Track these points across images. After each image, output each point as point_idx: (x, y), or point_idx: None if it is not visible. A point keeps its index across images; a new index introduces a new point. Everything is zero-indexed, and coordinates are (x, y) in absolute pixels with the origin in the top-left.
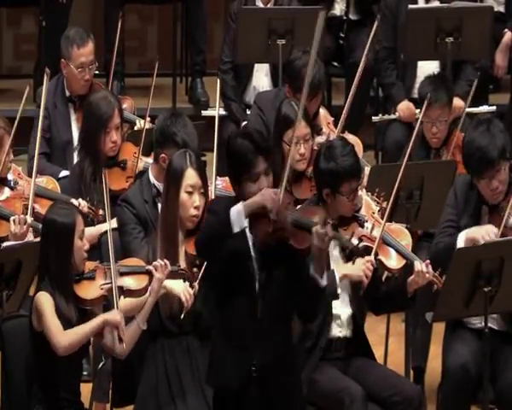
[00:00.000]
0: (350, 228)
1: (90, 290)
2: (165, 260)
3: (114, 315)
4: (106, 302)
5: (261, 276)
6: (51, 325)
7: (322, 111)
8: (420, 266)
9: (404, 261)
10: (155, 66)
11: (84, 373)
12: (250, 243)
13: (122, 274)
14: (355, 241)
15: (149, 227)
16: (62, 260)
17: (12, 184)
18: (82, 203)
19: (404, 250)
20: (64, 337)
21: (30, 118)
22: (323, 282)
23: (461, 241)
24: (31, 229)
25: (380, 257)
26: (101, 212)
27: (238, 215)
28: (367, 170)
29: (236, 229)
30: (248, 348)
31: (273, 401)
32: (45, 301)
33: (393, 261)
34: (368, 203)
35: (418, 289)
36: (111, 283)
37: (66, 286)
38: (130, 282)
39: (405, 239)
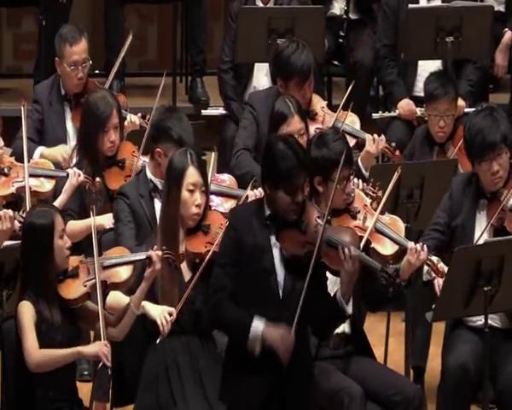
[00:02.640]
0: (342, 219)
1: (73, 289)
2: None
3: (92, 349)
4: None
5: (286, 287)
6: (27, 340)
7: (315, 96)
8: (414, 245)
9: (397, 247)
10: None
11: (85, 373)
12: (275, 256)
13: (106, 268)
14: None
15: (143, 221)
16: (43, 262)
17: (6, 171)
18: (78, 172)
19: (397, 236)
20: (35, 356)
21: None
22: (349, 310)
23: None
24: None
25: (373, 245)
26: (97, 179)
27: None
28: (368, 137)
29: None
30: (269, 361)
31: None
32: (25, 312)
33: (386, 248)
34: (360, 196)
35: (413, 280)
36: (94, 278)
37: (49, 290)
38: (114, 275)
39: (398, 228)
